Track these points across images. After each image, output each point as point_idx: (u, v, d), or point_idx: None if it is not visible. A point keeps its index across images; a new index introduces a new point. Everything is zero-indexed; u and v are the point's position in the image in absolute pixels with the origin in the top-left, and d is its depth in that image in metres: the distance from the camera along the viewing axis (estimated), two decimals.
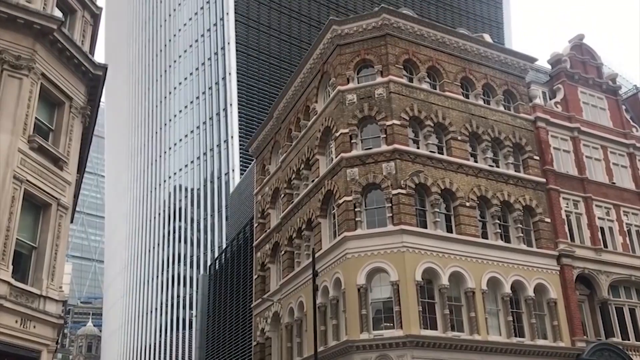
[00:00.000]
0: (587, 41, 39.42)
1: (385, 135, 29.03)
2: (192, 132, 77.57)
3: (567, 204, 33.19)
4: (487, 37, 36.39)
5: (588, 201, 33.83)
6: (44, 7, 20.87)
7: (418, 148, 29.60)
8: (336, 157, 29.63)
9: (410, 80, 31.18)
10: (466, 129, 31.13)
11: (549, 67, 38.25)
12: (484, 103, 32.91)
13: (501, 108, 33.29)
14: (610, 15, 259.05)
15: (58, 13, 22.05)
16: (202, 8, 77.38)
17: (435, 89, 31.60)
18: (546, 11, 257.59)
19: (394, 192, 27.75)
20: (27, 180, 18.94)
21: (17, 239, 18.40)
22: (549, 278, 30.33)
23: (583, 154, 35.19)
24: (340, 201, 28.51)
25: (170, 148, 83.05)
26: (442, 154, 30.14)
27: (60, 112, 21.23)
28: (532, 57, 35.40)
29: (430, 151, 29.70)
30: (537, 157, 32.95)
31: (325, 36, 32.34)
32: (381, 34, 31.12)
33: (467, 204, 29.28)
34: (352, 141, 29.42)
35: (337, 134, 29.84)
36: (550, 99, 36.22)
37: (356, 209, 28.09)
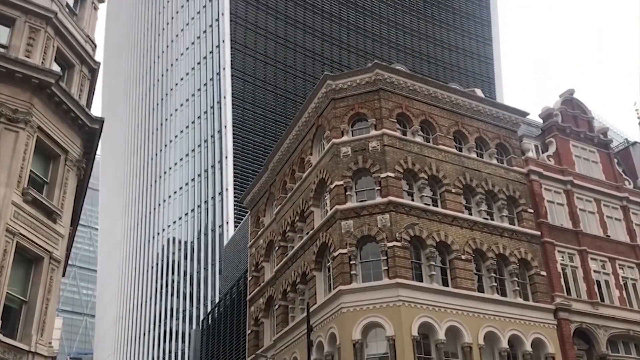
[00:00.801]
0: (577, 95, 40.10)
1: (379, 188, 29.12)
2: (186, 184, 77.65)
3: (563, 257, 33.09)
4: (479, 92, 36.99)
5: (583, 254, 33.74)
6: (42, 62, 21.17)
7: (413, 200, 29.66)
8: (331, 209, 29.63)
9: (404, 133, 31.50)
10: (460, 182, 31.28)
11: (541, 121, 38.76)
12: (477, 156, 33.17)
13: (494, 161, 33.55)
14: (599, 69, 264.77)
15: (56, 67, 22.35)
16: (199, 63, 78.65)
17: (429, 142, 31.89)
18: (536, 67, 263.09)
19: (389, 244, 27.64)
20: (20, 234, 18.80)
21: (7, 292, 18.13)
22: (547, 332, 29.94)
23: (577, 206, 35.30)
24: (335, 254, 28.34)
25: (164, 200, 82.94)
26: (437, 206, 30.17)
27: (55, 164, 21.26)
28: (524, 111, 35.91)
29: (425, 204, 29.73)
30: (531, 210, 33.02)
31: (320, 90, 32.82)
32: (375, 89, 31.61)
33: (463, 257, 29.14)
34: (347, 193, 29.48)
35: (332, 186, 29.93)
36: (542, 153, 36.56)
37: (351, 262, 27.90)
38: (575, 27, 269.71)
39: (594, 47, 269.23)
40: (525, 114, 35.91)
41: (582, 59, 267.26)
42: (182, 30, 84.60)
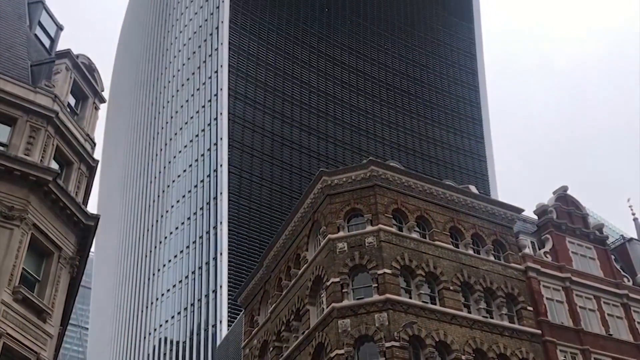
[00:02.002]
0: (570, 191, 40.48)
1: (376, 285, 28.71)
2: (180, 282, 76.52)
3: (565, 356, 32.17)
4: (473, 189, 37.35)
5: (586, 354, 32.83)
6: (41, 160, 21.38)
7: (410, 298, 29.17)
8: (327, 307, 29.04)
9: (400, 229, 31.46)
10: (458, 279, 30.91)
11: (536, 217, 38.89)
12: (474, 253, 32.99)
13: (491, 258, 33.34)
14: (589, 164, 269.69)
15: (55, 165, 22.55)
16: (196, 160, 79.73)
17: (425, 238, 31.80)
18: (528, 163, 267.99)
19: (388, 344, 26.88)
20: (7, 334, 18.25)
21: None
22: None
23: (577, 304, 34.73)
24: (332, 355, 27.50)
25: (157, 299, 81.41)
26: (435, 304, 29.64)
27: (48, 262, 21.00)
28: (519, 208, 36.10)
29: (423, 301, 29.22)
30: (531, 308, 32.45)
31: (316, 186, 33.08)
32: (370, 185, 31.89)
33: (463, 357, 28.31)
34: (344, 290, 29.01)
35: (328, 283, 29.50)
36: (539, 249, 36.42)
37: None
38: (565, 124, 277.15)
39: (584, 144, 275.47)
40: (520, 211, 36.08)
41: (573, 154, 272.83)
42: (180, 128, 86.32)
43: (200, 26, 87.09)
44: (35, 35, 27.07)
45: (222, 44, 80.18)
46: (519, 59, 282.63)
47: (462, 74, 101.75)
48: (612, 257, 39.29)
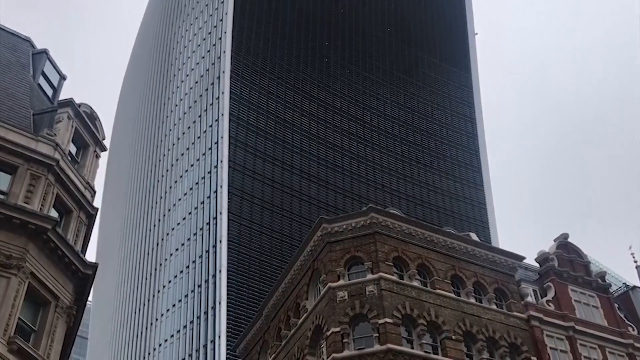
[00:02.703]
0: (571, 239, 40.33)
1: (377, 334, 28.27)
2: (178, 331, 75.40)
3: None
4: (474, 236, 37.21)
5: None
6: (41, 208, 21.36)
7: (412, 348, 28.70)
8: (327, 358, 28.53)
9: (401, 277, 31.18)
10: (460, 328, 30.47)
11: (537, 265, 38.62)
12: (476, 301, 32.62)
13: (493, 306, 32.94)
14: (591, 210, 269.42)
15: (54, 213, 22.52)
16: (196, 208, 79.68)
17: (427, 287, 31.49)
18: (528, 210, 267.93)
19: None
20: None
21: None
22: None
23: (581, 354, 34.14)
24: None
25: (154, 349, 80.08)
26: (437, 354, 29.15)
27: (45, 311, 20.73)
28: (520, 256, 35.89)
29: (425, 351, 28.74)
30: (535, 358, 31.89)
31: (316, 234, 32.94)
32: (370, 232, 31.77)
33: None
34: (344, 340, 28.55)
35: (328, 333, 29.05)
36: (541, 297, 36.03)
37: None
38: (566, 168, 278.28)
39: (585, 187, 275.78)
40: (521, 258, 35.86)
41: (574, 199, 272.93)
42: (181, 176, 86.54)
43: (202, 76, 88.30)
44: (39, 84, 27.44)
45: (223, 93, 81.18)
46: (517, 105, 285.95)
47: (461, 122, 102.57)
48: (616, 305, 38.83)
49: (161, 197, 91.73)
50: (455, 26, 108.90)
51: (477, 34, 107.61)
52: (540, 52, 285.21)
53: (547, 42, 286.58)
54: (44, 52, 28.93)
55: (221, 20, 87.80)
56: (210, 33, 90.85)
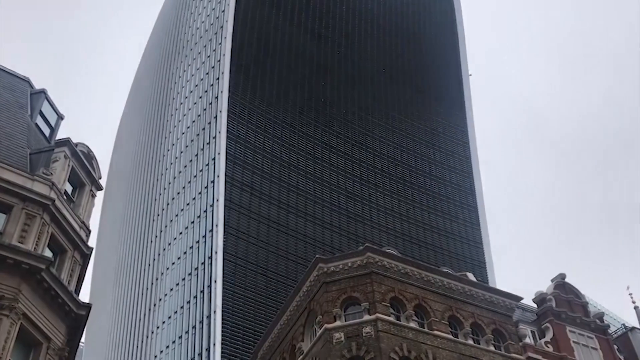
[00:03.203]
0: (568, 279, 40.13)
1: None
2: None
3: None
4: (471, 276, 37.01)
5: None
6: (35, 247, 21.23)
7: None
8: None
9: (398, 318, 30.86)
10: None
11: (535, 305, 38.31)
12: (474, 343, 32.25)
13: (491, 348, 32.55)
14: (588, 249, 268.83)
15: (48, 253, 22.38)
16: (191, 247, 79.20)
17: (424, 328, 31.15)
18: (524, 249, 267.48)
19: None
20: None
21: None
22: None
23: None
24: None
25: None
26: None
27: (36, 353, 20.44)
28: (518, 296, 35.64)
29: None
30: None
31: (312, 274, 32.72)
32: (367, 272, 31.56)
33: None
34: None
35: None
36: (539, 339, 35.64)
37: None
38: (562, 207, 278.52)
39: (582, 226, 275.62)
40: (519, 299, 35.61)
41: (571, 238, 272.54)
42: (176, 215, 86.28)
43: (199, 115, 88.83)
44: (36, 124, 27.60)
45: (220, 132, 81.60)
46: (512, 143, 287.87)
47: (456, 162, 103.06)
48: (615, 347, 38.42)
49: (156, 236, 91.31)
50: (449, 67, 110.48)
51: (471, 74, 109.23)
52: (535, 90, 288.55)
53: (540, 80, 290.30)
54: (42, 92, 29.19)
55: (219, 60, 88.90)
56: (208, 73, 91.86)
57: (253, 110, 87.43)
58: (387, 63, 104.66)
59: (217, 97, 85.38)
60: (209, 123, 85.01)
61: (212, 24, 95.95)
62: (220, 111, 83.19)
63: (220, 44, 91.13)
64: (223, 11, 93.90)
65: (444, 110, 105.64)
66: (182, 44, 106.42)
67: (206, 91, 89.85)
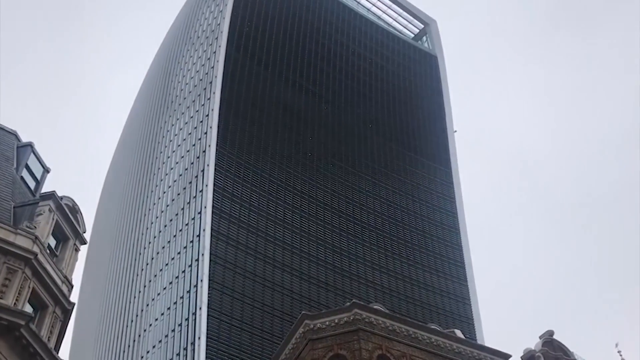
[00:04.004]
0: (557, 335, 39.79)
1: None
2: None
3: None
4: (459, 333, 36.60)
5: None
6: (15, 302, 20.79)
7: None
8: None
9: None
10: None
11: None
12: None
13: None
14: (576, 304, 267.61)
15: (29, 308, 21.90)
16: (175, 303, 77.88)
17: None
18: (514, 306, 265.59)
19: None
20: None
21: None
22: None
23: None
24: None
25: None
26: None
27: None
28: (506, 354, 35.22)
29: None
30: None
31: (298, 330, 32.21)
32: (354, 329, 31.12)
33: None
34: None
35: None
36: None
37: None
38: (549, 265, 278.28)
39: (568, 285, 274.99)
40: (507, 356, 35.17)
41: (558, 296, 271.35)
42: (161, 270, 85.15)
43: (186, 169, 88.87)
44: (22, 177, 27.47)
45: (207, 185, 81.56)
46: (499, 197, 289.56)
47: (443, 217, 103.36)
48: None
49: (140, 292, 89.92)
50: (434, 123, 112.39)
51: (455, 131, 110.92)
52: (523, 141, 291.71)
53: (529, 131, 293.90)
54: (29, 145, 29.18)
55: (207, 115, 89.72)
56: (196, 127, 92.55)
57: (240, 164, 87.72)
58: (373, 119, 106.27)
59: (204, 151, 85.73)
60: (196, 177, 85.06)
61: (201, 79, 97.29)
62: (208, 165, 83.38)
63: (209, 99, 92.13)
64: (212, 67, 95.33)
65: (430, 165, 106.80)
66: (171, 97, 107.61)
67: (194, 145, 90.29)
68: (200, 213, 80.00)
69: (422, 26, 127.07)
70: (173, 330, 75.91)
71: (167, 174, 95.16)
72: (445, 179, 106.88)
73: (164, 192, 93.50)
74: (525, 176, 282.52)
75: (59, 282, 23.34)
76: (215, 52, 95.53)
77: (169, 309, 79.16)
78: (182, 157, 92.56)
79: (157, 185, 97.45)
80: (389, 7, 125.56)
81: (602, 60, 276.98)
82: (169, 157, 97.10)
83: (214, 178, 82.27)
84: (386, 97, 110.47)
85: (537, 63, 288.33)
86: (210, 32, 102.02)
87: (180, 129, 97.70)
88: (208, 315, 71.94)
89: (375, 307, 34.40)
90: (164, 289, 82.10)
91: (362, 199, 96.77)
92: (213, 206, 79.70)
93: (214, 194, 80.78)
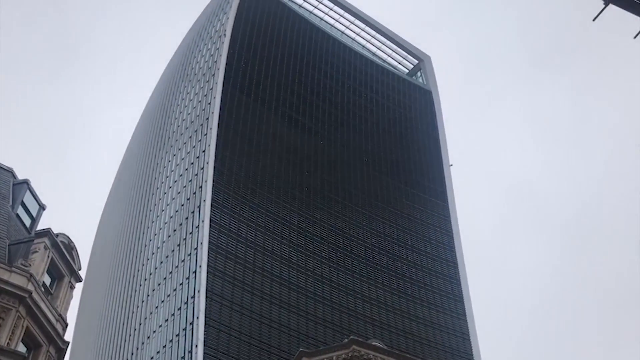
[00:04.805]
0: None
1: None
2: None
3: None
4: None
5: None
6: (8, 342, 20.47)
7: None
8: None
9: None
10: None
11: None
12: None
13: None
14: (577, 347, 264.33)
15: (22, 347, 21.57)
16: (171, 341, 76.81)
17: None
18: (514, 341, 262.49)
19: None
20: None
21: None
22: None
23: None
24: None
25: None
26: None
27: None
28: None
29: None
30: None
31: None
32: None
33: None
34: None
35: None
36: None
37: None
38: (553, 304, 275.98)
39: (571, 324, 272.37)
40: None
41: (561, 336, 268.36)
42: (156, 307, 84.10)
43: (183, 205, 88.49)
44: (17, 214, 27.36)
45: (203, 221, 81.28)
46: (498, 230, 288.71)
47: (441, 251, 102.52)
48: None
49: (135, 329, 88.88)
50: (430, 157, 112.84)
51: (451, 165, 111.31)
52: (521, 170, 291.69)
53: (523, 163, 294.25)
54: (25, 182, 29.16)
55: (204, 151, 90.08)
56: (192, 163, 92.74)
57: (237, 200, 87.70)
58: (369, 153, 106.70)
59: (201, 187, 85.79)
60: (192, 212, 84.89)
61: (198, 115, 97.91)
62: (204, 200, 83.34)
63: (206, 134, 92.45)
64: (209, 103, 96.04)
65: (427, 199, 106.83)
66: (168, 133, 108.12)
67: (190, 180, 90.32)
68: (196, 249, 79.62)
69: (417, 62, 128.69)
70: (164, 345, 74.81)
71: (163, 210, 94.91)
72: (443, 212, 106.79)
73: (160, 228, 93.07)
74: (523, 206, 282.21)
75: (53, 320, 23.03)
76: (212, 89, 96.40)
77: (164, 347, 78.17)
78: (179, 192, 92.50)
79: (153, 221, 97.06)
80: (383, 44, 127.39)
81: (596, 90, 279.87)
82: (165, 193, 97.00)
83: (211, 213, 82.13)
84: (381, 132, 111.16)
85: (532, 94, 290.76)
86: (207, 69, 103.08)
87: (177, 165, 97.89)
88: (204, 353, 71.02)
89: (373, 343, 34.06)
90: (160, 326, 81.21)
91: (359, 233, 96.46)
92: (209, 242, 79.39)
93: (210, 229, 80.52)
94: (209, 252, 78.47)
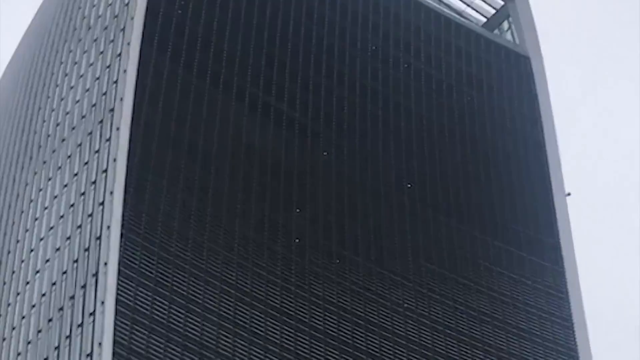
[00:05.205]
0: None
1: None
2: None
3: None
4: None
5: None
6: None
7: None
8: None
9: None
10: None
11: None
12: None
13: None
14: None
15: None
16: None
17: None
18: None
19: None
20: None
21: None
22: None
23: None
24: None
25: None
26: None
27: None
28: None
29: None
30: None
31: None
32: None
33: None
34: None
35: None
36: None
37: None
38: None
39: None
40: None
41: None
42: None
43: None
44: None
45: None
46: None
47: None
48: None
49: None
50: (530, 182, 63.00)
51: (569, 194, 62.23)
52: None
53: None
54: None
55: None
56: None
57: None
58: (415, 174, 59.68)
59: None
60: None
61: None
62: None
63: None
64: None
65: (528, 260, 57.86)
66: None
67: None
68: None
69: (502, 2, 75.93)
70: None
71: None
72: (555, 283, 58.16)
73: None
74: None
75: None
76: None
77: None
78: None
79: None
80: None
81: None
82: None
83: None
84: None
85: None
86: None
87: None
88: None
89: None
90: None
91: (398, 330, 49.63)
92: None
93: None
94: None
